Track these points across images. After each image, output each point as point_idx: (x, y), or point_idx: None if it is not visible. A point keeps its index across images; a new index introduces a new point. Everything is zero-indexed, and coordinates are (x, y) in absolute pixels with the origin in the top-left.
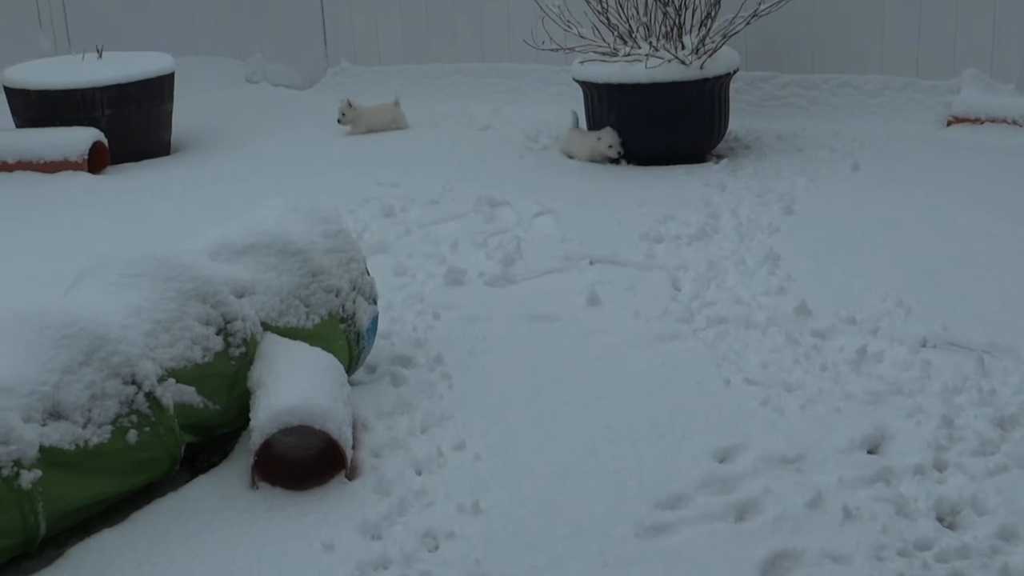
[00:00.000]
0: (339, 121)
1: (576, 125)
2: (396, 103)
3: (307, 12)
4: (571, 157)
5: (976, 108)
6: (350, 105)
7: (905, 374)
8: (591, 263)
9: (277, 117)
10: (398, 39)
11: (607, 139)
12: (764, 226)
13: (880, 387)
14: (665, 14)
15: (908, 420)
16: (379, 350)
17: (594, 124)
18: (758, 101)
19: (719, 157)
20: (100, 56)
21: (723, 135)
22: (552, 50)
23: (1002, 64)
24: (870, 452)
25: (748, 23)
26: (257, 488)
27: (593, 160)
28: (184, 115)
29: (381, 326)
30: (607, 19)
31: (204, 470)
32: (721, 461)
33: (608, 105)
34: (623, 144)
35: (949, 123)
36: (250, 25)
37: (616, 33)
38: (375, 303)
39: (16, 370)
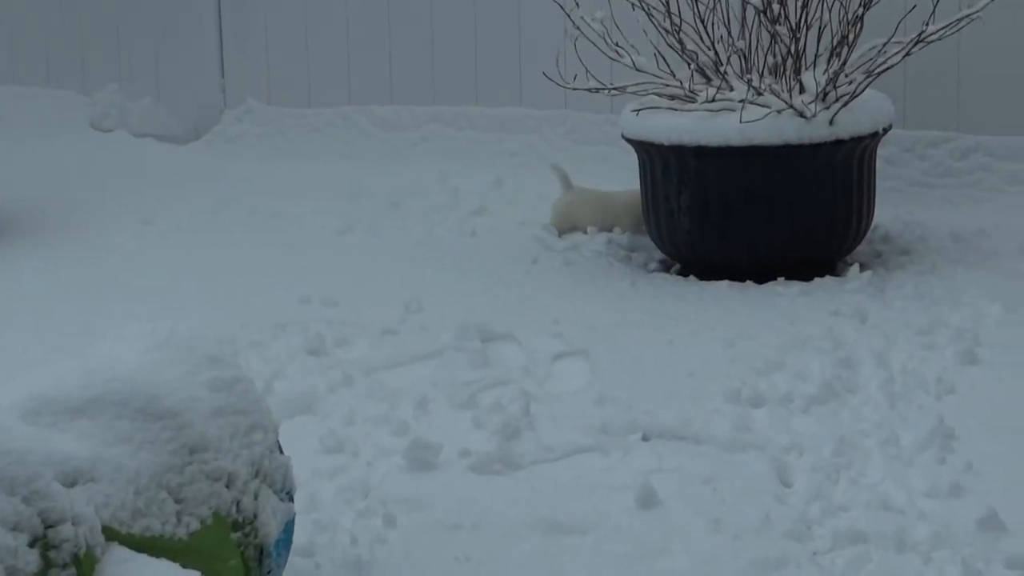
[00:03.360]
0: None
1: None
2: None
3: (194, 25)
4: None
5: None
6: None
7: None
8: (645, 439)
9: (142, 186)
10: (340, 67)
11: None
12: (930, 383)
13: None
14: (774, 36)
15: None
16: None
17: (654, 207)
18: (923, 178)
19: (860, 267)
20: None
21: (865, 231)
22: (591, 90)
23: None
24: None
25: (908, 53)
26: None
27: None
28: None
29: (300, 536)
30: (679, 42)
31: None
32: None
33: (679, 178)
34: (695, 245)
35: None
36: (102, 43)
37: (694, 64)
38: (291, 498)
39: None
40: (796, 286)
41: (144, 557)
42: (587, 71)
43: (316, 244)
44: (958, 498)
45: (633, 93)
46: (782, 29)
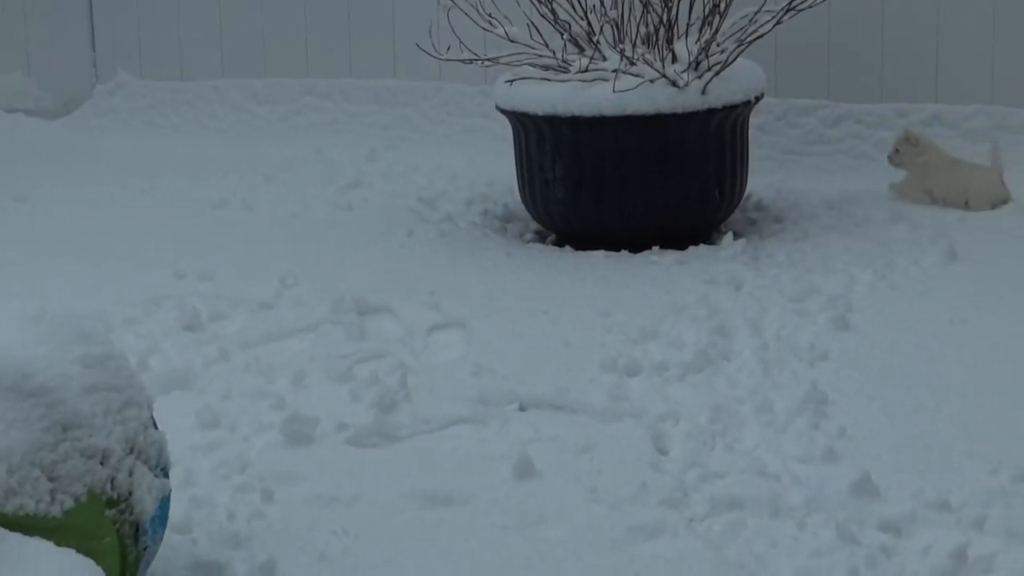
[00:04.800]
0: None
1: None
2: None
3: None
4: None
5: None
6: (912, 141)
7: None
8: (522, 409)
9: (13, 162)
10: (212, 40)
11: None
12: (804, 349)
13: None
14: (646, 6)
15: None
16: (172, 552)
17: (529, 177)
18: (795, 146)
19: (734, 235)
20: None
21: (739, 200)
22: (464, 61)
23: None
24: None
25: (779, 21)
26: None
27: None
28: None
29: (176, 512)
30: (552, 12)
31: None
32: None
33: (553, 149)
34: (570, 215)
35: None
36: None
37: (567, 35)
38: (166, 475)
39: None
40: (671, 255)
41: (18, 536)
42: (460, 42)
43: (190, 219)
44: (832, 463)
45: (507, 64)
46: None
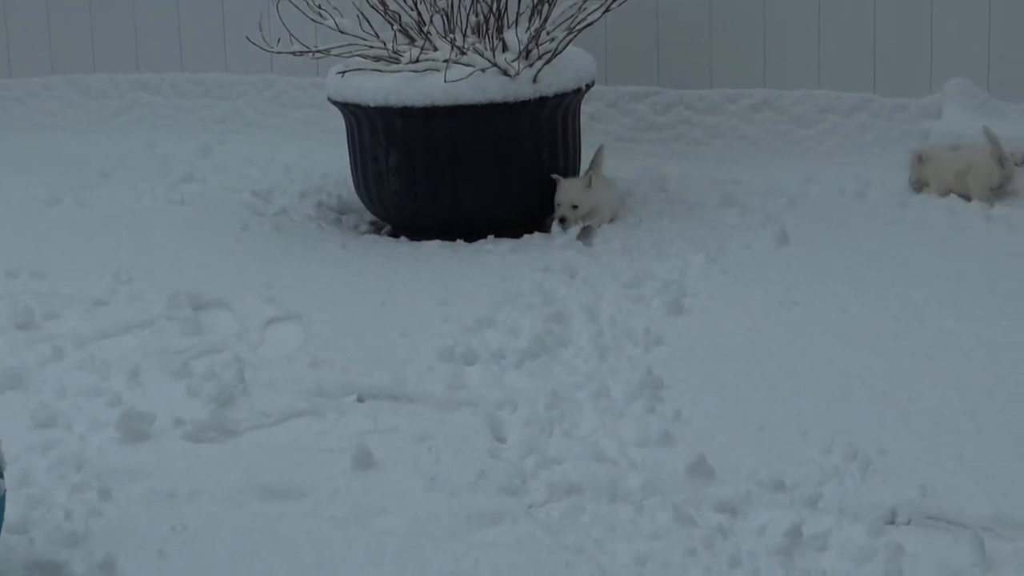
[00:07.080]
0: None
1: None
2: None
3: None
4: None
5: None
6: (920, 159)
7: (863, 569)
8: (360, 400)
9: None
10: (40, 36)
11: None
12: (639, 334)
13: None
14: None
15: None
16: (10, 552)
17: (362, 169)
18: (626, 132)
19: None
20: None
21: None
22: (295, 53)
23: (1006, 71)
24: None
25: (608, 9)
26: None
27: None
28: None
29: (13, 512)
30: (382, 3)
31: None
32: None
33: (386, 140)
34: (405, 206)
35: None
36: None
37: (397, 26)
38: (1, 475)
39: None
40: (506, 243)
41: None
42: (291, 35)
43: (22, 216)
44: (668, 446)
45: (338, 55)
46: None
